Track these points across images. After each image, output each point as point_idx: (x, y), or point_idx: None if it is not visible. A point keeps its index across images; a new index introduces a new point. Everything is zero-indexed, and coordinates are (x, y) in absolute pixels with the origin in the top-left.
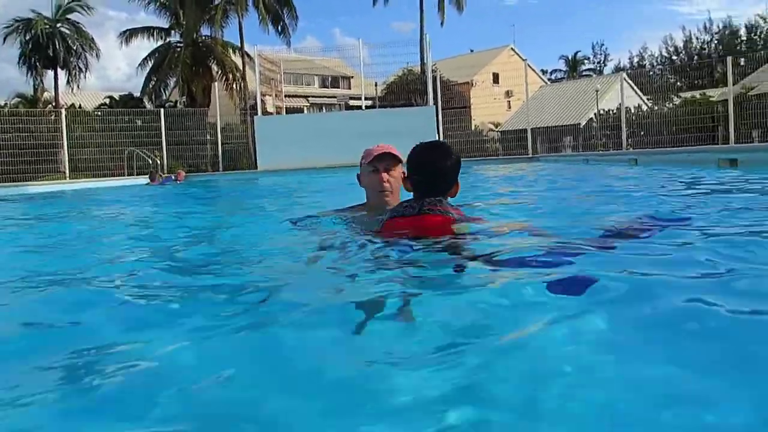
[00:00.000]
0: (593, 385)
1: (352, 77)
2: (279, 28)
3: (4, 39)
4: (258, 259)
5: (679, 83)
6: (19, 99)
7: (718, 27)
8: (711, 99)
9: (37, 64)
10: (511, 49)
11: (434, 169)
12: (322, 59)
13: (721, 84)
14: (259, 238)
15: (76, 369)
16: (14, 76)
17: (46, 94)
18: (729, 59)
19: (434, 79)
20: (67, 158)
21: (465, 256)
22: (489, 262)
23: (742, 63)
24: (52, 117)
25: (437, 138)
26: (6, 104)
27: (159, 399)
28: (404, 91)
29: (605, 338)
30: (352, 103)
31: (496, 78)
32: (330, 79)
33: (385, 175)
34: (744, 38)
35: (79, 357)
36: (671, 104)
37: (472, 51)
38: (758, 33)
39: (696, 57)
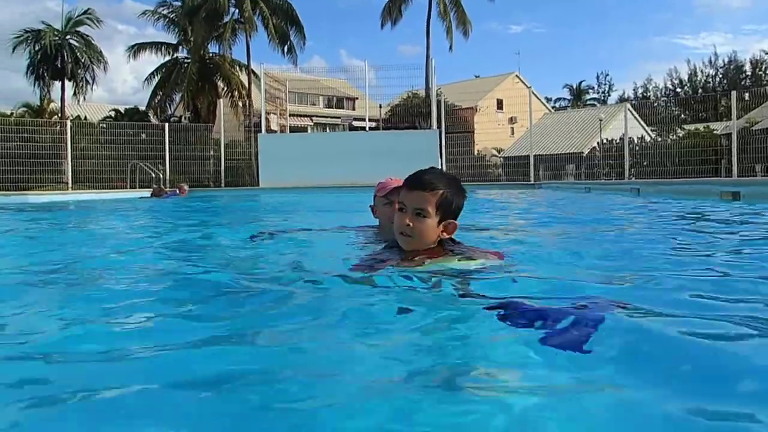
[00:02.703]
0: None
1: (357, 98)
2: (286, 47)
3: (14, 49)
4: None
5: (683, 115)
6: (25, 109)
7: (724, 61)
8: (714, 132)
9: (45, 74)
10: (516, 76)
11: None
12: (327, 79)
13: (725, 117)
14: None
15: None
16: (22, 86)
17: (52, 105)
18: (733, 93)
19: (439, 103)
20: (70, 169)
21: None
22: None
23: (746, 97)
24: (57, 128)
25: (440, 161)
26: (12, 113)
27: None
28: (408, 114)
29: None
30: (356, 123)
31: (500, 104)
32: (335, 99)
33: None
34: (749, 73)
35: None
36: (675, 136)
37: (477, 77)
38: (763, 68)
39: (701, 90)
